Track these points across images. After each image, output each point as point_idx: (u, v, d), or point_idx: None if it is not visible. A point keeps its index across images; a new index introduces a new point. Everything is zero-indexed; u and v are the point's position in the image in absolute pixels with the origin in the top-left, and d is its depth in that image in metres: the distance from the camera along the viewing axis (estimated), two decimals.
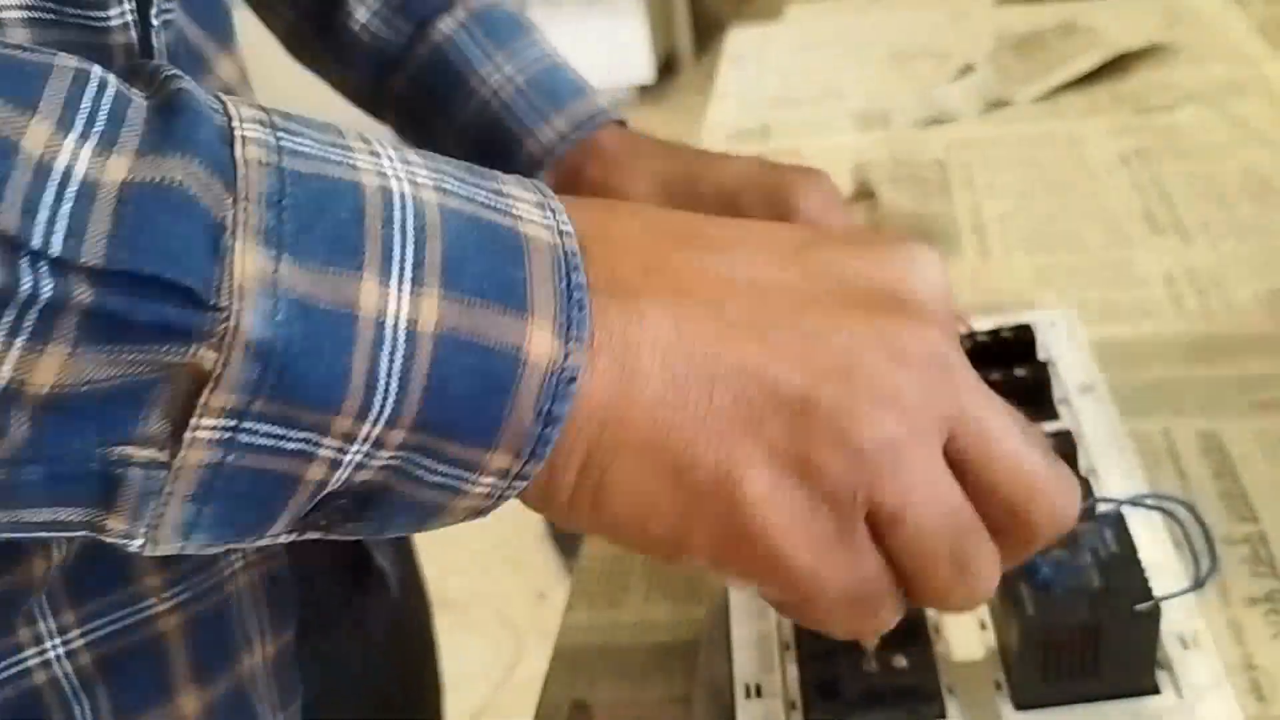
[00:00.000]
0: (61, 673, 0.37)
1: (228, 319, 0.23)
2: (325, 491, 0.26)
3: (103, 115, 0.24)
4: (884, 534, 0.29)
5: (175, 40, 0.37)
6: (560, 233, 0.27)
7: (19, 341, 0.22)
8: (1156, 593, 0.39)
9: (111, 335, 0.23)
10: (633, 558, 0.53)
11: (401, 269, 0.25)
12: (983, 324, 0.57)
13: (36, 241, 0.22)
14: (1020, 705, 0.40)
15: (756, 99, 0.98)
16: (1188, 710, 0.40)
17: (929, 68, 0.97)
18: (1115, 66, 0.90)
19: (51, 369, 0.23)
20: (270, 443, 0.24)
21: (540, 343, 0.26)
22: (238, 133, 0.25)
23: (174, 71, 0.26)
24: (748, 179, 0.51)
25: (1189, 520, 0.41)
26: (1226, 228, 0.69)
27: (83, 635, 0.37)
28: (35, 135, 0.23)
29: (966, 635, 0.43)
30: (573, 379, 0.27)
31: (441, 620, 0.68)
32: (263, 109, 0.26)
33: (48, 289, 0.22)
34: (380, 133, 0.32)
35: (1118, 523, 0.41)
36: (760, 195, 0.51)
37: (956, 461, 0.29)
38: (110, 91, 0.24)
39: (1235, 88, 0.86)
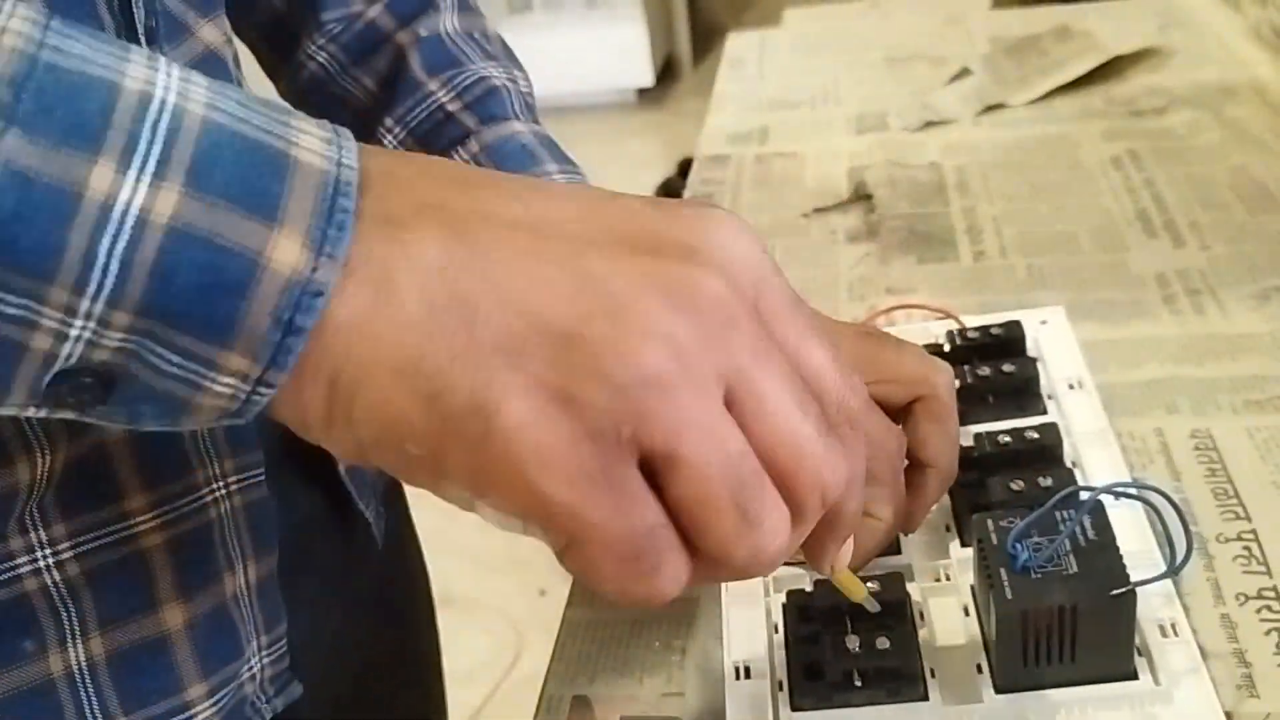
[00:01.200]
0: (50, 581, 0.39)
1: None
2: (60, 365, 0.27)
3: None
4: (663, 481, 0.29)
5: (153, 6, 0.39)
6: (339, 163, 0.28)
7: None
8: (1133, 579, 0.39)
9: None
10: None
11: (144, 162, 0.26)
12: (974, 323, 0.58)
13: None
14: (1001, 689, 0.41)
15: (755, 103, 0.98)
16: (1165, 696, 0.41)
17: (925, 72, 0.98)
18: (1109, 70, 0.91)
19: None
20: None
21: (286, 252, 0.27)
22: (1, 22, 0.26)
23: None
24: None
25: (1166, 509, 0.41)
26: (1219, 230, 0.70)
27: (72, 548, 0.39)
28: None
29: (949, 620, 0.44)
30: (319, 293, 0.27)
31: (444, 617, 0.68)
32: (48, 17, 0.26)
33: None
34: None
35: (1096, 510, 0.42)
36: None
37: (734, 419, 0.29)
38: None
39: (1228, 91, 0.87)
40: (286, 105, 0.29)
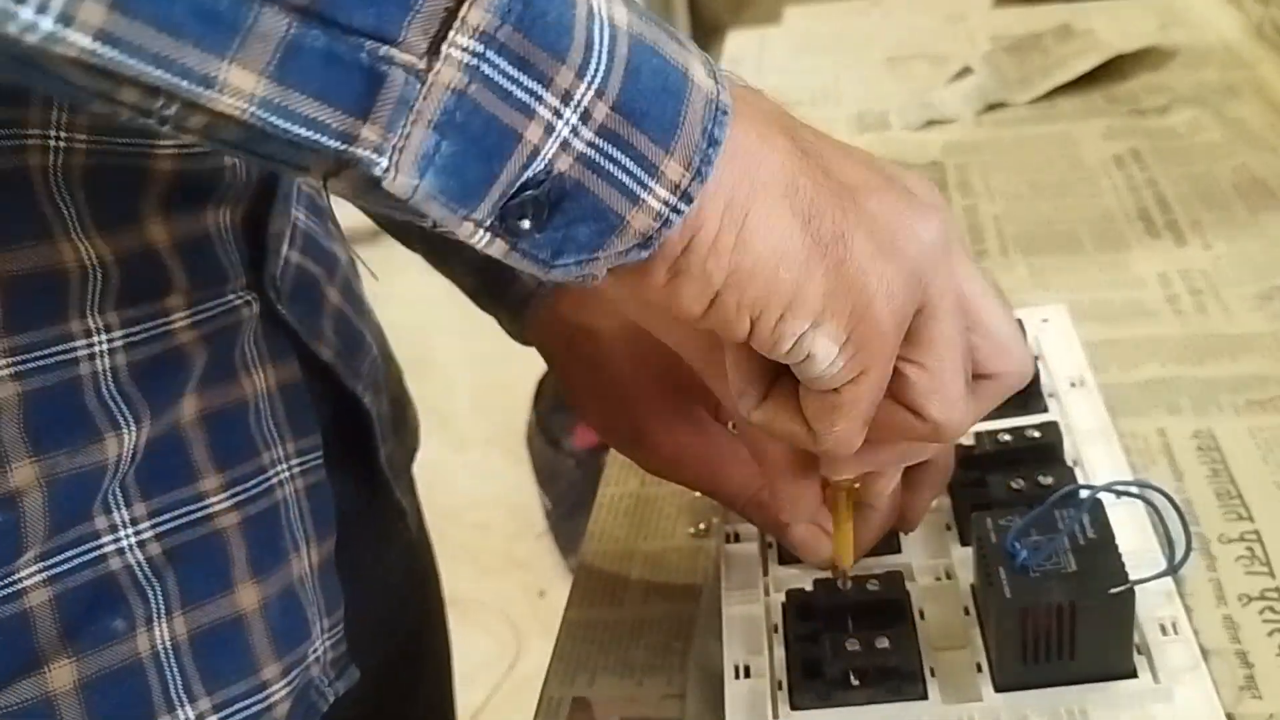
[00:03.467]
0: (134, 560, 0.40)
1: None
2: (532, 169, 0.29)
3: None
4: (919, 339, 0.36)
5: None
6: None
7: None
8: (1132, 577, 0.39)
9: None
10: (633, 557, 0.53)
11: None
12: None
13: None
14: (1000, 687, 0.41)
15: None
16: (1165, 694, 0.40)
17: (926, 70, 0.98)
18: (1111, 69, 0.91)
19: None
20: (505, 84, 0.28)
21: (701, 75, 0.31)
22: None
23: None
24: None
25: (1166, 507, 0.41)
26: (1221, 229, 0.70)
27: (153, 527, 0.41)
28: None
29: (949, 619, 0.44)
30: (726, 111, 0.31)
31: None
32: None
33: None
34: None
35: (1095, 509, 0.42)
36: None
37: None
38: None
39: (1230, 90, 0.86)
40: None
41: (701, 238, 0.32)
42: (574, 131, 0.29)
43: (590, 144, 0.29)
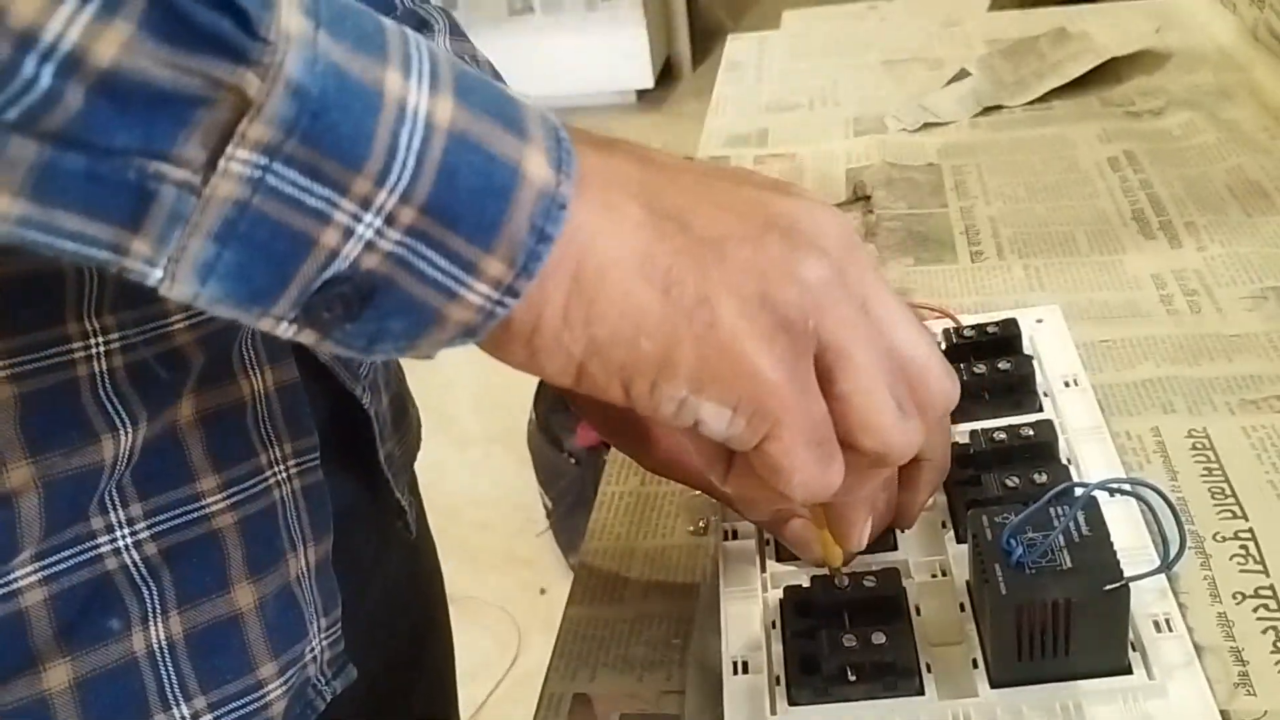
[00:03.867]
0: (130, 560, 0.41)
1: (274, 54, 0.26)
2: (334, 269, 0.28)
3: None
4: (832, 376, 0.34)
5: None
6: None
7: (90, 8, 0.25)
8: (1127, 574, 0.40)
9: (170, 31, 0.25)
10: (633, 554, 0.54)
11: (420, 72, 0.28)
12: (970, 321, 0.58)
13: None
14: (996, 683, 0.42)
15: (754, 105, 0.99)
16: (1159, 690, 0.41)
17: (923, 74, 0.99)
18: (1106, 72, 0.91)
19: (113, 44, 0.25)
20: (294, 193, 0.27)
21: (536, 165, 0.30)
22: None
23: None
24: None
25: (1160, 505, 0.42)
26: (1215, 230, 0.70)
27: (149, 528, 0.41)
28: None
29: (945, 615, 0.45)
30: (563, 205, 0.30)
31: None
32: None
33: None
34: None
35: (1090, 506, 0.42)
36: None
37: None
38: None
39: (1224, 93, 0.87)
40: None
41: (548, 316, 0.31)
42: (378, 233, 0.28)
43: (399, 243, 0.28)
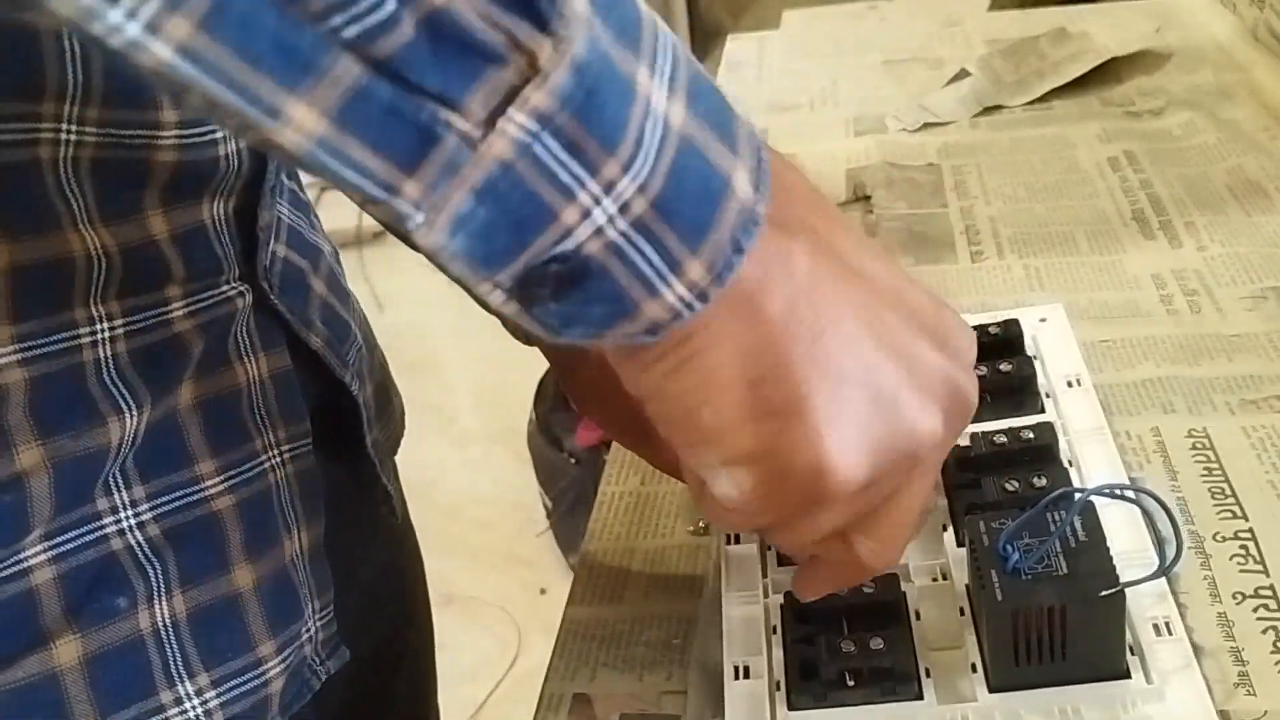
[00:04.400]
0: (135, 541, 0.42)
1: (568, 28, 0.27)
2: (561, 246, 0.29)
3: None
4: (879, 511, 0.36)
5: None
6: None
7: None
8: (1123, 579, 0.40)
9: None
10: (633, 554, 0.54)
11: (662, 73, 0.29)
12: (972, 321, 0.58)
13: None
14: (995, 688, 0.42)
15: (754, 105, 0.99)
16: (1157, 695, 0.41)
17: (923, 73, 0.99)
18: (1106, 71, 0.91)
19: None
20: (553, 165, 0.28)
21: (741, 181, 0.31)
22: None
23: None
24: None
25: (1156, 510, 0.42)
26: (1215, 230, 0.70)
27: (152, 509, 0.42)
28: None
29: (944, 620, 0.45)
30: (757, 223, 0.31)
31: (444, 616, 0.69)
32: None
33: None
34: None
35: (1087, 511, 0.42)
36: None
37: None
38: None
39: (1224, 93, 0.87)
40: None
41: (651, 351, 0.32)
42: (610, 220, 0.29)
43: (623, 233, 0.29)
